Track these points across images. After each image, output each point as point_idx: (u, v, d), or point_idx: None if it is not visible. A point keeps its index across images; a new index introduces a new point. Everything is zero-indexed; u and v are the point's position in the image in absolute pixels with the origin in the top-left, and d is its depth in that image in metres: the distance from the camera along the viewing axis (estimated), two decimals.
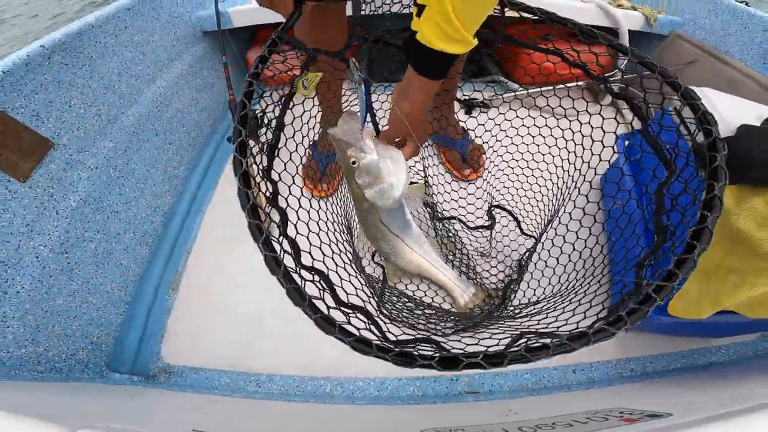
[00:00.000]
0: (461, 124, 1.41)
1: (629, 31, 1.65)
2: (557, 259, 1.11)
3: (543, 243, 1.05)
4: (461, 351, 0.42)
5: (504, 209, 1.18)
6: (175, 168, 1.35)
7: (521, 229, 1.14)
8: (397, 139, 0.85)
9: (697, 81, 1.53)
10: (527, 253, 1.05)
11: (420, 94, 0.75)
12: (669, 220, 0.59)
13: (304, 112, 0.83)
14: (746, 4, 1.49)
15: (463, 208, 1.23)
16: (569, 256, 1.09)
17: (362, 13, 0.95)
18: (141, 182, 1.17)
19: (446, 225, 1.19)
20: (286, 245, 0.50)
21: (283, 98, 0.68)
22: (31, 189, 0.85)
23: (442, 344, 0.45)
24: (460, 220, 1.19)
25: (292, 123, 0.74)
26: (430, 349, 0.45)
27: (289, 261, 0.48)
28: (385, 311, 0.83)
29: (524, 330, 0.47)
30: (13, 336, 0.76)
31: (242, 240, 1.18)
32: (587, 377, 0.98)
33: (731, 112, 0.83)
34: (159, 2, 1.37)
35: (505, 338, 0.49)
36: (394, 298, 0.96)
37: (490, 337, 0.62)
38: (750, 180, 0.66)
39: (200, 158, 1.52)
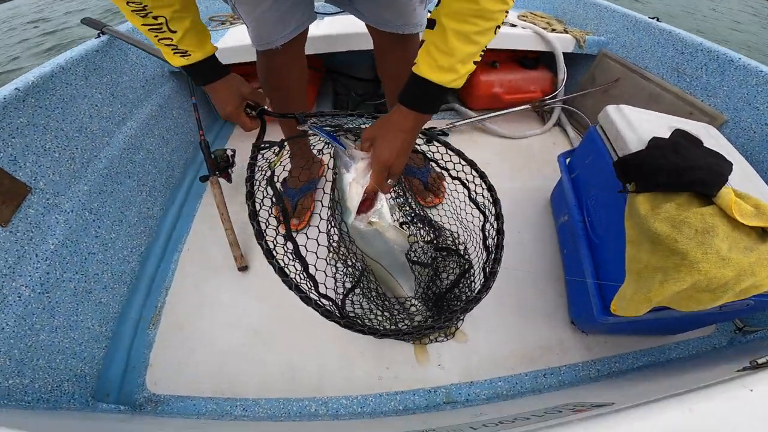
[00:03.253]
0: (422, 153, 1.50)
1: (565, 53, 1.79)
2: (515, 276, 1.22)
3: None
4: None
5: (445, 248, 1.17)
6: (150, 209, 1.39)
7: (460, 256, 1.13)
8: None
9: (623, 97, 1.67)
10: (463, 275, 1.06)
11: (403, 127, 0.79)
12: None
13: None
14: (657, 20, 1.63)
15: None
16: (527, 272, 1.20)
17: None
18: (116, 224, 1.20)
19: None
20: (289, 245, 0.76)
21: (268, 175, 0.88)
22: (11, 233, 0.89)
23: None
24: (418, 263, 1.14)
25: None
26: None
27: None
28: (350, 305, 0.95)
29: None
30: None
31: (218, 274, 1.28)
32: (557, 380, 1.06)
33: (645, 126, 0.96)
34: (126, 44, 1.39)
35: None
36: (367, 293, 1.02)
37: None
38: (659, 186, 0.78)
39: (174, 198, 1.55)
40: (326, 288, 0.82)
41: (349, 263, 1.05)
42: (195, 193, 1.59)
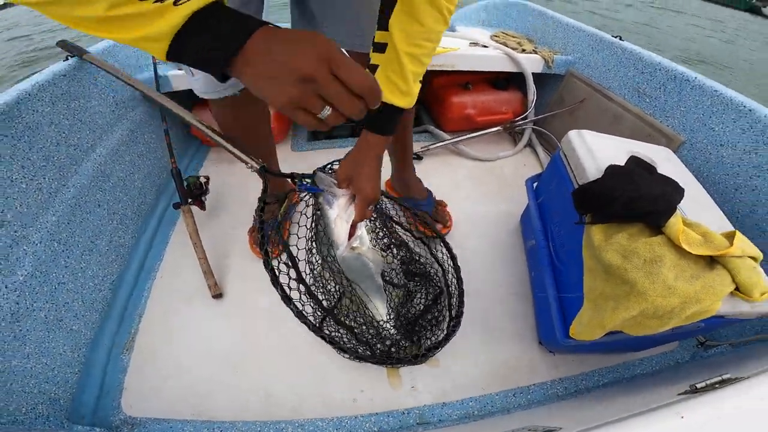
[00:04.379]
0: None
1: (534, 73, 1.83)
2: (486, 299, 1.25)
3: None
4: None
5: (418, 274, 1.22)
6: (121, 237, 1.38)
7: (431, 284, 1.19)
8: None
9: (588, 118, 1.71)
10: (435, 301, 1.14)
11: (373, 154, 0.86)
12: None
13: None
14: (620, 39, 1.65)
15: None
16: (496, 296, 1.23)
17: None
18: (86, 253, 1.19)
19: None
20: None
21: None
22: None
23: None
24: (392, 284, 1.21)
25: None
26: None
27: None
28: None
29: None
30: None
31: (192, 301, 1.29)
32: (526, 399, 1.08)
33: (604, 152, 0.99)
34: (95, 67, 1.35)
35: None
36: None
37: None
38: (613, 217, 0.81)
39: (146, 225, 1.53)
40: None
41: (329, 288, 1.10)
42: (168, 220, 1.58)
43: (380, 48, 0.75)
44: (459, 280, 1.06)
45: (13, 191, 1.00)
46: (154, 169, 1.63)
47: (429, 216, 1.41)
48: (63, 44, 1.35)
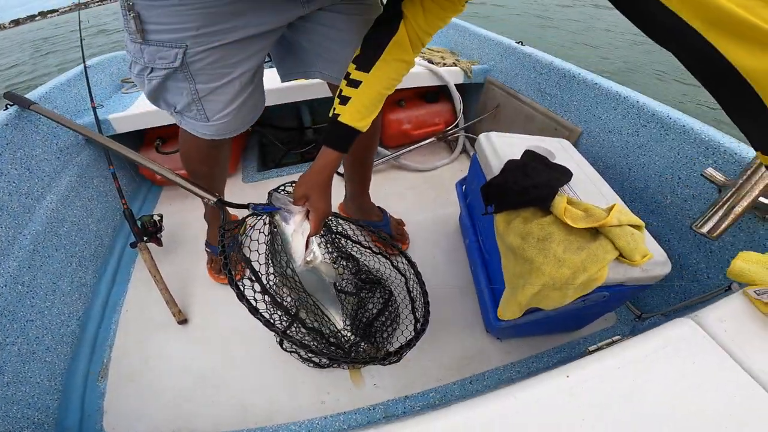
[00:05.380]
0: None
1: (458, 84, 1.98)
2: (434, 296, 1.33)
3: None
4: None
5: (368, 281, 1.33)
6: (82, 277, 1.44)
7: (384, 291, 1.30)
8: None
9: (506, 120, 1.85)
10: (386, 304, 1.25)
11: (327, 173, 0.97)
12: None
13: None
14: (521, 44, 1.78)
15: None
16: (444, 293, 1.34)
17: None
18: (50, 294, 1.26)
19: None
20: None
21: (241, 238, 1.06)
22: None
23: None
24: (345, 292, 1.30)
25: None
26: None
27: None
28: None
29: None
30: None
31: (160, 329, 1.41)
32: (482, 385, 1.17)
33: (506, 150, 1.12)
34: (35, 114, 1.39)
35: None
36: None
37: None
38: (509, 205, 0.94)
39: (107, 265, 1.60)
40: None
41: (288, 301, 1.18)
42: (128, 258, 1.65)
43: (355, 84, 0.90)
44: (422, 284, 1.17)
45: None
46: (107, 212, 1.70)
47: (389, 235, 1.53)
48: (10, 95, 1.39)
